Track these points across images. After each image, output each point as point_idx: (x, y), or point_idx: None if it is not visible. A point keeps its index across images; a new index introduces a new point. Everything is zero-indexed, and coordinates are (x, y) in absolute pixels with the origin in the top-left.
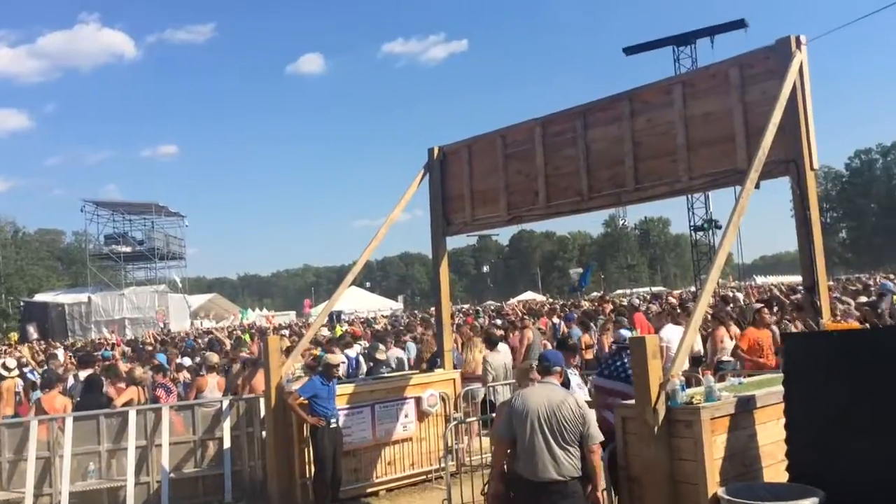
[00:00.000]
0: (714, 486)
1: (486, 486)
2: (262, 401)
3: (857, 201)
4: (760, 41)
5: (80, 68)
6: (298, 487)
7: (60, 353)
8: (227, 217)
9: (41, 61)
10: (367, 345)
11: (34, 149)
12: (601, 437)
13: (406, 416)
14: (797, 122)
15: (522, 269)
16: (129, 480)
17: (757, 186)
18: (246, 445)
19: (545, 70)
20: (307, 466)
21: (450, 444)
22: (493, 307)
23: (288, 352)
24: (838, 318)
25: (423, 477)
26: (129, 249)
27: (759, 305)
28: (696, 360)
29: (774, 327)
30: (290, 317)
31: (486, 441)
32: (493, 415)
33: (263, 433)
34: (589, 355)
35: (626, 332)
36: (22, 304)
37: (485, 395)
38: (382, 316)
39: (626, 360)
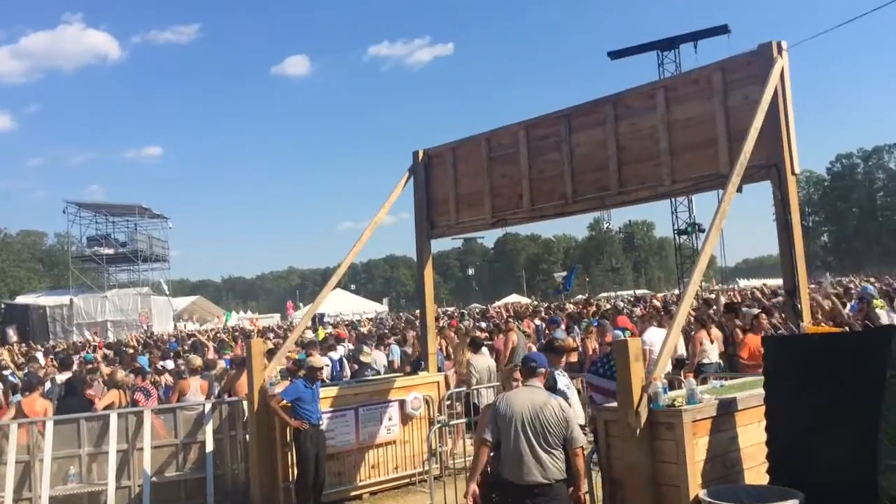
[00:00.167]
0: (696, 489)
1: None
2: (244, 404)
3: (839, 205)
4: (743, 46)
5: (64, 69)
6: (281, 491)
7: (40, 355)
8: (211, 219)
9: (24, 62)
10: (352, 347)
11: (16, 149)
12: (584, 440)
13: (390, 418)
14: (778, 127)
15: (507, 272)
16: (110, 484)
17: (739, 190)
18: (228, 449)
19: (530, 74)
20: (290, 470)
21: (434, 447)
22: (477, 310)
23: (269, 354)
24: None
25: (407, 480)
26: (111, 251)
27: (756, 311)
28: (679, 363)
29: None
30: (274, 319)
31: (469, 444)
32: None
33: (246, 436)
34: (573, 358)
35: (620, 333)
36: (3, 306)
37: (469, 397)
38: (368, 319)
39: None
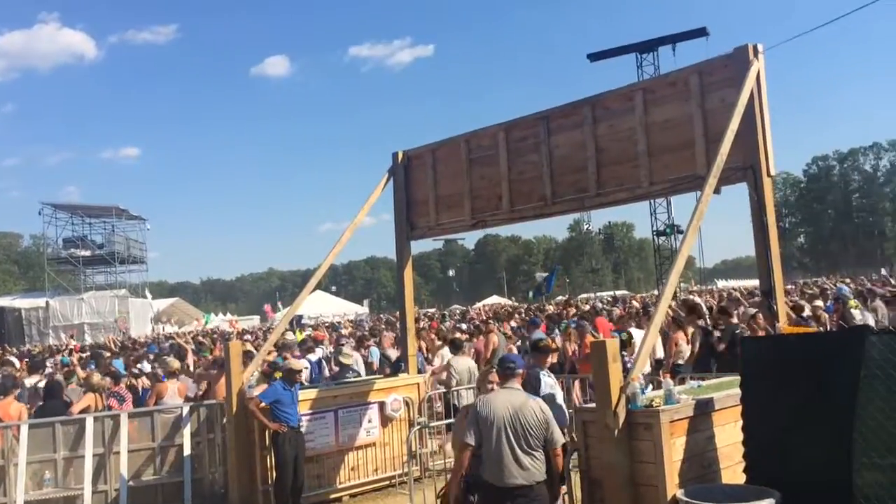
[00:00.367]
0: (673, 488)
1: (442, 490)
2: (223, 407)
3: (815, 207)
4: (721, 49)
5: (40, 68)
6: (260, 494)
7: (15, 359)
8: (190, 220)
9: None
10: (332, 349)
11: None
12: (563, 440)
13: (370, 421)
14: (754, 130)
15: (488, 273)
16: (87, 489)
17: (717, 192)
18: (207, 452)
19: (511, 75)
20: (269, 473)
21: (413, 449)
22: (458, 311)
23: (246, 356)
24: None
25: (387, 482)
26: (88, 253)
27: (754, 311)
28: (658, 364)
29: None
30: (254, 321)
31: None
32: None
33: (225, 439)
34: (553, 359)
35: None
36: None
37: (449, 399)
38: (348, 320)
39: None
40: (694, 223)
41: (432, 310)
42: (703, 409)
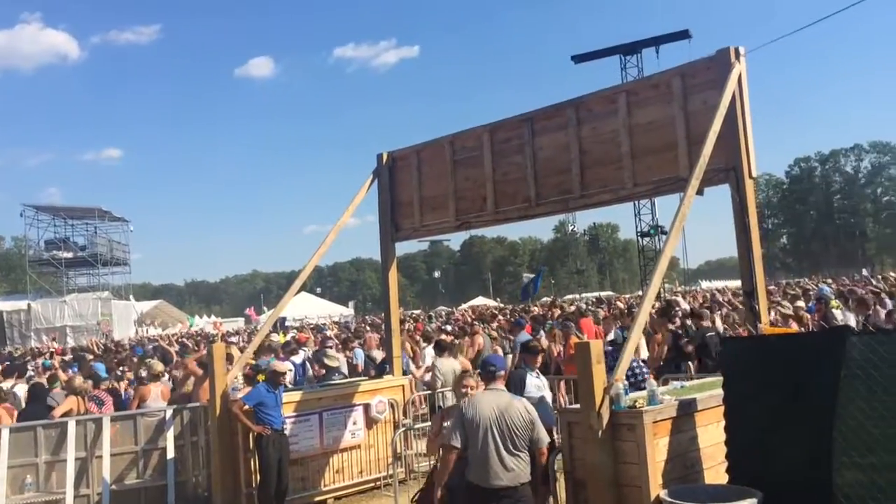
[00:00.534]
0: (657, 489)
1: (417, 494)
2: (206, 409)
3: (797, 208)
4: (704, 51)
5: (22, 69)
6: (244, 497)
7: None
8: (174, 222)
9: None
10: (317, 350)
11: None
12: (548, 440)
13: (355, 423)
14: (736, 132)
15: (474, 275)
16: (69, 493)
17: (700, 193)
18: (190, 455)
19: (495, 77)
20: (253, 476)
21: (399, 451)
22: (443, 312)
23: (229, 359)
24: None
25: (372, 484)
26: (70, 255)
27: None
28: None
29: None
30: (238, 323)
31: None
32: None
33: (209, 442)
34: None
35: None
36: None
37: (434, 400)
38: (334, 322)
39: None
40: (676, 224)
41: (417, 311)
42: (686, 410)
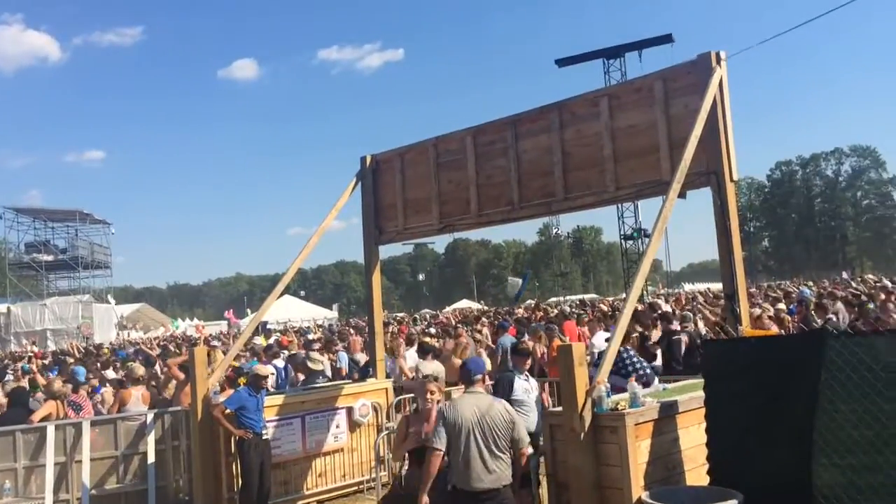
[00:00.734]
0: (638, 491)
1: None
2: (188, 413)
3: (779, 211)
4: (686, 55)
5: (3, 70)
6: (225, 502)
7: None
8: (156, 224)
9: None
10: (302, 353)
11: None
12: (528, 440)
13: (337, 426)
14: (717, 135)
15: (458, 277)
16: (48, 498)
17: (683, 196)
18: (171, 460)
19: (480, 80)
20: (234, 480)
21: (381, 455)
22: (428, 315)
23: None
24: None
25: (355, 488)
26: (51, 258)
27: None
28: None
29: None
30: (221, 326)
31: None
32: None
33: (190, 447)
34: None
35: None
36: None
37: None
38: (317, 325)
39: (623, 357)
40: (659, 227)
41: (402, 314)
42: (668, 412)
